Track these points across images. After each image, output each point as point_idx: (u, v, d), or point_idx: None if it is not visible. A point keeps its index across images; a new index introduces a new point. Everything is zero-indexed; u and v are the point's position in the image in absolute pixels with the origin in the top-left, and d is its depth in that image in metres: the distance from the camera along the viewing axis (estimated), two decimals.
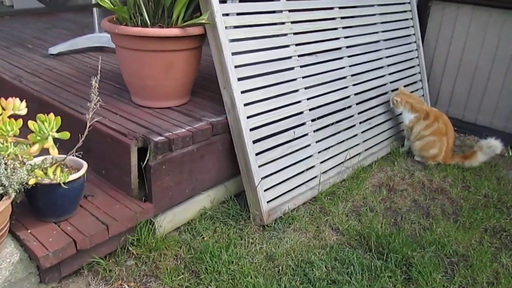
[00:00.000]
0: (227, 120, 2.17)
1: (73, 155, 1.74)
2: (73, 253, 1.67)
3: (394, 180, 2.69)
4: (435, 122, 2.83)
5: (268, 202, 2.19)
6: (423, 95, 3.50)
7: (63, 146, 1.73)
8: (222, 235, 2.08)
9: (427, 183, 2.68)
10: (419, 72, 3.48)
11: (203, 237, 2.06)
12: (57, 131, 1.49)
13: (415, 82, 3.43)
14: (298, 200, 2.33)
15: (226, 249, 1.96)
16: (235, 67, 2.11)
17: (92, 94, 1.62)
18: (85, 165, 1.76)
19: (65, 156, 1.73)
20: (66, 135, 1.50)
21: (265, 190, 2.19)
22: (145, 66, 2.11)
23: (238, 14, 2.24)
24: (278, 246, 2.04)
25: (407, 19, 3.38)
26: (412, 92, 3.35)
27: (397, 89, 3.15)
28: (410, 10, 3.40)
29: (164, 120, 2.12)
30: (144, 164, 1.89)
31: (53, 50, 3.15)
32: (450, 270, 1.98)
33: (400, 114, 3.02)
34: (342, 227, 2.20)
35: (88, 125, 1.65)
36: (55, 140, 1.58)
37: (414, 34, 3.44)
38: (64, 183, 1.61)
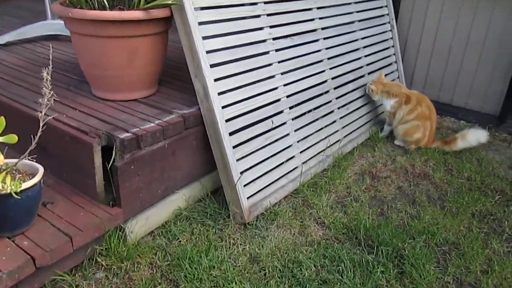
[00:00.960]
0: (200, 112, 1.98)
1: (26, 159, 1.52)
2: (32, 272, 1.45)
3: (376, 166, 2.58)
4: (417, 106, 2.74)
5: (248, 198, 2.04)
6: (398, 77, 3.41)
7: (18, 149, 1.50)
8: (200, 237, 1.91)
9: (410, 169, 2.59)
10: (394, 54, 3.38)
11: (180, 241, 1.88)
12: (2, 134, 1.27)
13: (390, 64, 3.33)
14: (279, 194, 2.18)
15: (206, 253, 1.80)
16: (207, 52, 1.92)
17: (44, 88, 1.39)
18: (41, 169, 1.54)
19: (16, 160, 1.50)
20: (12, 138, 1.28)
21: (244, 186, 2.03)
22: (105, 54, 1.88)
23: None
24: (262, 246, 1.89)
25: None
26: (387, 74, 3.26)
27: (374, 71, 3.05)
28: None
29: (130, 114, 1.91)
30: (109, 164, 1.68)
31: (0, 40, 2.84)
32: (443, 260, 1.89)
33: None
34: (327, 220, 2.07)
35: (41, 124, 1.43)
36: (3, 144, 1.36)
37: (388, 15, 3.33)
38: (16, 193, 1.39)
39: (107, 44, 1.85)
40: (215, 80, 1.94)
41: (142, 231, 1.87)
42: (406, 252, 1.88)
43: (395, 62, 3.38)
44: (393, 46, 3.36)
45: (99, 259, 1.71)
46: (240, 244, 1.90)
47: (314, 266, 1.79)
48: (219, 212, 2.06)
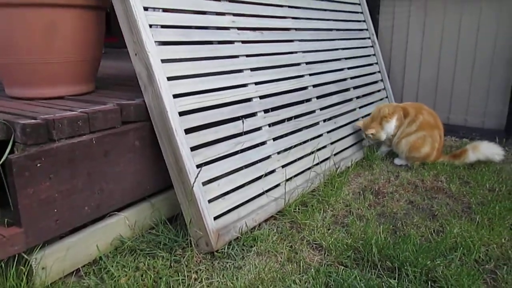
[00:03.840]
0: (145, 104, 1.50)
1: None
2: None
3: (378, 183, 2.08)
4: (418, 115, 2.31)
5: (216, 218, 1.49)
6: (386, 97, 3.04)
7: None
8: (147, 272, 1.33)
9: (419, 183, 2.10)
10: (379, 71, 3.03)
11: (117, 280, 1.30)
12: None
13: (376, 82, 2.96)
14: (258, 215, 1.64)
15: None
16: (150, 26, 1.48)
17: None
18: None
19: None
20: None
21: (209, 201, 1.50)
22: (15, 31, 1.43)
23: None
24: (237, 278, 1.31)
25: (357, 12, 2.97)
26: (374, 92, 2.89)
27: (360, 86, 2.67)
28: (359, 3, 3.01)
29: (48, 107, 1.42)
30: (2, 160, 1.15)
31: None
32: (492, 280, 1.34)
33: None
34: (325, 242, 1.53)
35: None
36: None
37: (367, 30, 3.03)
38: None
39: (14, 14, 1.40)
40: (163, 61, 1.49)
41: (61, 267, 1.28)
42: (440, 272, 1.33)
43: (381, 80, 3.02)
44: (377, 63, 3.02)
45: None
46: (205, 278, 1.32)
47: None
48: (176, 240, 1.49)
